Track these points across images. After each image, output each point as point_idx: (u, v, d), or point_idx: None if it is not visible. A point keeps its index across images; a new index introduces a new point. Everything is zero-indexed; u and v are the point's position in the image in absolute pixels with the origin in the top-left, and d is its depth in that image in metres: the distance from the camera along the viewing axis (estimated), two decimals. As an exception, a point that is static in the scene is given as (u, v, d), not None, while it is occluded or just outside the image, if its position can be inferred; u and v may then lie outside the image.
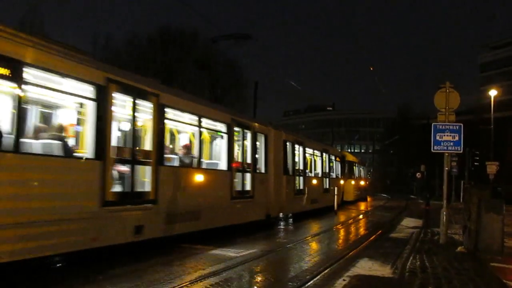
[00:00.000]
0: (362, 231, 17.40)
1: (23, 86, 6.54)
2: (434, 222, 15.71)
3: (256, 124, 14.91)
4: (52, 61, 7.06)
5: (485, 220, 10.05)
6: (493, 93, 34.04)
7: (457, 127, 11.98)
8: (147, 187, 9.08)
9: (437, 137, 12.03)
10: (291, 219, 18.98)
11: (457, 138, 11.92)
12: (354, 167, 32.90)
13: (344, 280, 7.66)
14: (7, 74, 6.32)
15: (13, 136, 6.41)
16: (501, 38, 79.18)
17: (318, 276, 7.95)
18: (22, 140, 6.74)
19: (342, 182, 27.96)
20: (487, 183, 24.48)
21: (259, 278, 7.97)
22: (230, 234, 12.41)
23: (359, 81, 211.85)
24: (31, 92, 7.03)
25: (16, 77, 6.43)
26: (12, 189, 6.29)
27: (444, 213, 12.08)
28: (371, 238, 13.76)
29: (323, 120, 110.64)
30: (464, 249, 10.58)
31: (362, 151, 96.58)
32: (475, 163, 32.36)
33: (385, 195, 52.48)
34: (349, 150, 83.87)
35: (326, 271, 8.43)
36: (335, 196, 22.76)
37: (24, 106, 7.12)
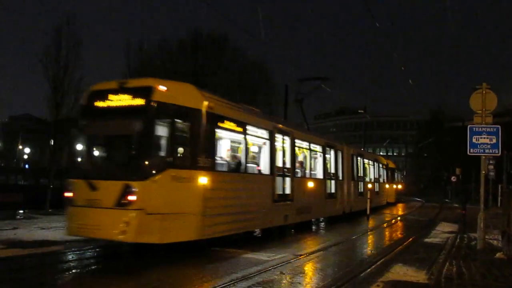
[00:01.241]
0: (396, 235, 17.11)
1: (246, 135, 11.85)
2: (470, 227, 15.25)
3: (337, 144, 20.11)
4: (256, 120, 12.63)
5: (525, 225, 9.71)
6: (532, 93, 32.93)
7: (495, 129, 11.65)
8: (288, 191, 13.95)
9: (474, 140, 11.72)
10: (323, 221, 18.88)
11: (494, 140, 11.59)
12: (394, 172, 37.27)
13: (377, 286, 7.53)
14: (241, 130, 11.58)
15: (239, 163, 11.73)
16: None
17: (351, 282, 7.85)
18: (242, 165, 11.76)
19: (387, 186, 32.06)
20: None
21: (290, 283, 7.92)
22: (263, 239, 12.45)
23: (391, 83, 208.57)
24: (247, 137, 11.91)
25: (243, 131, 11.69)
26: (232, 193, 10.87)
27: (482, 217, 11.73)
28: (405, 243, 13.50)
29: (355, 123, 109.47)
30: (503, 255, 10.24)
31: (395, 154, 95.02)
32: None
33: (418, 199, 51.44)
34: (381, 153, 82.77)
35: (359, 276, 8.31)
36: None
37: (244, 147, 11.86)
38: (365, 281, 8.01)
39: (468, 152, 11.92)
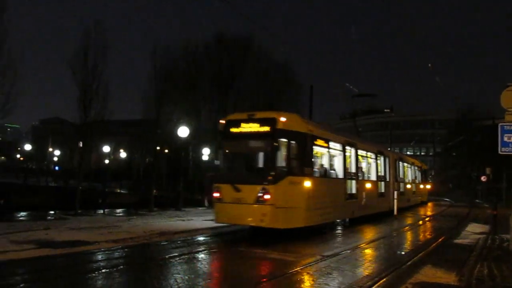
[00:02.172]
0: (425, 235, 16.82)
1: (329, 149, 15.25)
2: (502, 228, 14.88)
3: (385, 150, 23.73)
4: (334, 137, 16.00)
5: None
6: None
7: (527, 127, 11.30)
8: (354, 191, 17.31)
9: (505, 138, 11.44)
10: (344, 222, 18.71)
11: (527, 139, 11.26)
12: (426, 173, 40.60)
13: (406, 287, 7.43)
14: (326, 145, 15.05)
15: (325, 170, 15.07)
16: None
17: (379, 283, 7.75)
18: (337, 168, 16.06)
19: (421, 186, 34.86)
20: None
21: (315, 284, 7.87)
22: (290, 239, 12.44)
23: (418, 82, 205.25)
24: (330, 150, 15.34)
25: (327, 145, 15.06)
26: (322, 193, 14.13)
27: (514, 218, 11.40)
28: (435, 244, 13.25)
29: (381, 122, 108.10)
30: (537, 257, 9.96)
31: (422, 153, 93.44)
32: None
33: (447, 199, 50.45)
34: (408, 153, 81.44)
35: (388, 277, 8.20)
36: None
37: (328, 157, 15.44)
38: (394, 282, 7.90)
39: (499, 151, 11.64)
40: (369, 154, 20.21)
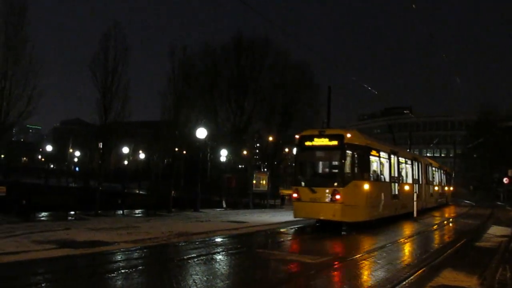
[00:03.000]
0: (446, 238, 16.58)
1: (380, 157, 18.56)
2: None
3: (418, 157, 28.59)
4: (381, 147, 19.12)
5: None
6: None
7: (551, 128, 11.04)
8: (396, 192, 20.38)
9: (528, 140, 11.18)
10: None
11: (551, 140, 11.01)
12: (450, 176, 42.48)
13: (427, 290, 7.32)
14: (377, 154, 18.14)
15: (382, 174, 18.59)
16: None
17: (399, 286, 7.65)
18: (386, 174, 19.06)
19: (446, 188, 37.38)
20: None
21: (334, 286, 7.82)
22: (306, 241, 12.39)
23: (438, 83, 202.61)
24: (380, 158, 18.55)
25: (378, 155, 18.27)
26: (369, 195, 16.36)
27: (537, 221, 11.16)
28: (455, 246, 13.04)
29: (400, 123, 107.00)
30: (561, 261, 9.72)
31: (442, 155, 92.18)
32: None
33: (468, 201, 49.67)
34: (428, 154, 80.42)
35: (408, 280, 8.09)
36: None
37: (373, 162, 17.71)
38: (414, 285, 7.79)
39: (522, 153, 11.39)
40: (407, 160, 23.26)
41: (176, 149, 36.60)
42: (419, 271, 8.92)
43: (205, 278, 7.77)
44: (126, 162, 57.72)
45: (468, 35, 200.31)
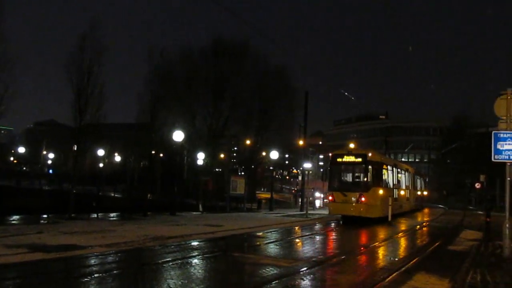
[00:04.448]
0: (419, 242, 16.87)
1: (385, 170, 23.73)
2: (495, 235, 14.96)
3: (408, 166, 33.56)
4: (389, 161, 26.89)
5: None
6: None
7: (520, 135, 11.43)
8: (397, 196, 25.59)
9: (498, 146, 11.51)
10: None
11: (520, 146, 11.35)
12: (426, 182, 46.14)
13: (400, 293, 7.43)
14: (386, 167, 24.02)
15: (389, 183, 24.50)
16: None
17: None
18: (391, 183, 24.92)
19: (422, 193, 40.25)
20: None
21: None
22: (283, 245, 12.40)
23: (413, 89, 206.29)
24: (387, 170, 24.14)
25: (386, 167, 24.06)
26: (383, 198, 22.18)
27: (507, 225, 11.48)
28: (428, 250, 13.28)
29: (376, 129, 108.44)
30: (529, 264, 10.00)
31: (417, 160, 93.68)
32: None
33: (441, 206, 50.59)
34: (402, 160, 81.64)
35: (381, 284, 8.20)
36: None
37: (385, 174, 23.62)
38: (387, 289, 7.90)
39: (492, 159, 11.70)
40: (402, 170, 28.64)
41: (153, 152, 36.30)
42: (393, 275, 9.04)
43: (180, 283, 7.72)
44: (101, 165, 56.83)
45: (443, 44, 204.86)
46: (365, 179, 21.45)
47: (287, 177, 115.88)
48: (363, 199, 20.65)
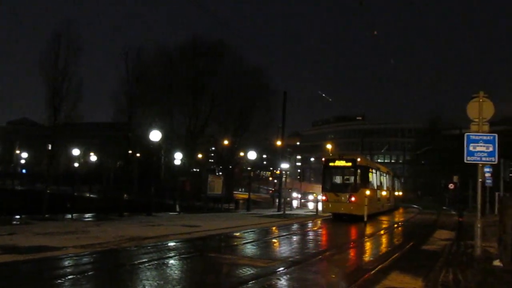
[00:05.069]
0: (393, 242, 17.10)
1: (371, 172, 26.48)
2: (468, 234, 15.31)
3: (388, 169, 35.84)
4: (374, 165, 29.60)
5: (522, 233, 9.72)
6: (529, 102, 32.94)
7: (491, 137, 11.69)
8: (379, 196, 28.75)
9: (471, 148, 11.76)
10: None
11: (491, 148, 11.63)
12: (400, 182, 48.32)
13: (374, 293, 7.53)
14: (372, 171, 26.80)
15: (374, 184, 27.41)
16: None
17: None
18: (375, 184, 27.90)
19: (397, 193, 41.79)
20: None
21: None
22: (260, 245, 12.43)
23: (389, 91, 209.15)
24: (372, 174, 26.92)
25: (371, 171, 26.82)
26: (370, 197, 23.99)
27: (478, 225, 11.75)
28: (402, 250, 13.49)
29: (353, 130, 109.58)
30: (500, 263, 10.25)
31: (393, 161, 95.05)
32: (511, 175, 31.35)
33: (416, 206, 51.42)
34: (379, 160, 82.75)
35: (355, 284, 8.30)
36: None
37: (371, 176, 26.31)
38: (362, 288, 8.00)
39: (465, 160, 11.95)
40: (383, 173, 31.45)
41: (130, 151, 35.92)
42: (368, 274, 9.17)
43: (156, 284, 7.66)
44: (77, 165, 55.98)
45: (418, 47, 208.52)
46: (355, 181, 24.01)
47: (266, 178, 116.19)
48: (352, 199, 22.92)
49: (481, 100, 12.02)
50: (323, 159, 26.23)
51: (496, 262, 10.32)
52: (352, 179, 24.33)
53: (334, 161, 25.11)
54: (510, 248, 10.11)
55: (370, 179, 25.83)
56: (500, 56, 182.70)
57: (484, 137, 11.72)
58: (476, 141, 11.74)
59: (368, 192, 24.07)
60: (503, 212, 10.86)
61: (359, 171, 24.08)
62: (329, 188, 24.77)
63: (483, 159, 11.73)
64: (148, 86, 36.88)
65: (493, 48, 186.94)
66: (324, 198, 24.71)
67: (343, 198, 23.57)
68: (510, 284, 8.39)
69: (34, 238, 12.27)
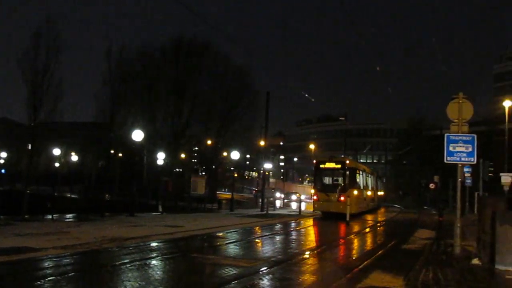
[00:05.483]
0: (375, 241, 17.28)
1: (358, 174, 28.80)
2: (447, 233, 15.53)
3: (373, 170, 37.69)
4: (360, 166, 31.55)
5: (500, 232, 9.87)
6: (507, 103, 33.49)
7: (471, 138, 11.88)
8: (365, 196, 30.75)
9: (450, 148, 11.93)
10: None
11: (470, 149, 11.82)
12: (382, 182, 50.31)
13: (356, 292, 7.60)
14: (359, 172, 29.17)
15: (361, 185, 29.74)
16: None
17: (330, 288, 7.91)
18: (362, 185, 29.92)
19: (379, 193, 42.81)
20: (502, 195, 24.07)
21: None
22: (243, 245, 12.43)
23: (372, 91, 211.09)
24: (360, 174, 29.43)
25: (359, 172, 29.24)
26: (357, 197, 27.06)
27: (458, 224, 11.94)
28: (384, 249, 13.63)
29: (336, 130, 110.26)
30: (478, 262, 10.43)
31: (375, 161, 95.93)
32: (489, 175, 31.94)
33: (397, 205, 51.99)
34: (361, 160, 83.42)
35: (337, 283, 8.37)
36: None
37: (358, 177, 28.68)
38: (344, 287, 8.05)
39: (445, 160, 12.13)
40: (369, 174, 33.81)
41: (112, 151, 35.58)
42: (350, 273, 9.25)
43: (137, 285, 7.61)
44: (57, 164, 55.13)
45: (399, 49, 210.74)
46: (344, 182, 25.68)
47: (251, 178, 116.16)
48: (342, 198, 24.13)
49: (460, 101, 12.21)
50: (314, 161, 27.93)
51: (475, 261, 10.50)
52: (341, 180, 25.89)
53: (324, 163, 26.83)
54: (488, 247, 10.29)
55: (358, 180, 27.94)
56: (480, 58, 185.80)
57: (464, 138, 11.91)
58: (456, 142, 11.92)
59: (355, 192, 26.30)
60: (482, 212, 11.07)
61: (347, 172, 25.84)
62: (320, 188, 26.43)
63: (463, 159, 11.92)
64: (131, 86, 36.60)
65: (473, 49, 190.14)
66: (315, 197, 26.45)
67: (332, 197, 25.04)
68: (488, 282, 8.55)
69: (14, 239, 12.08)
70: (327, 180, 27.09)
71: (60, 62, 22.18)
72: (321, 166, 26.91)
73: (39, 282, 7.68)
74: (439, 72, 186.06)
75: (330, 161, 26.94)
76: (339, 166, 26.23)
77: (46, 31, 21.93)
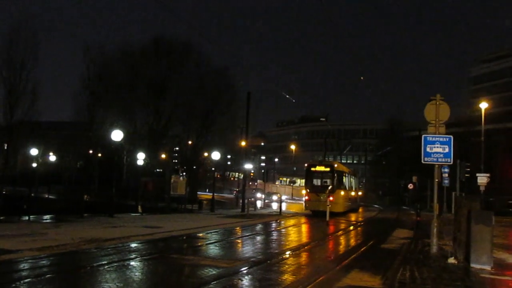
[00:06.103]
0: (354, 241, 17.45)
1: (344, 176, 32.19)
2: (425, 233, 15.78)
3: (355, 171, 41.09)
4: (345, 169, 33.99)
5: (475, 231, 10.09)
6: (483, 105, 34.19)
7: (447, 139, 12.09)
8: (349, 196, 33.41)
9: (428, 149, 12.12)
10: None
11: (447, 149, 12.03)
12: (361, 182, 54.84)
13: (334, 291, 7.66)
14: (344, 174, 32.17)
15: (346, 186, 32.73)
16: (492, 52, 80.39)
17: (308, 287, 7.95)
18: (347, 186, 33.17)
19: (359, 193, 44.19)
20: (478, 195, 24.55)
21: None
22: (223, 246, 12.42)
23: (352, 92, 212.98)
24: (345, 177, 32.86)
25: (344, 174, 32.35)
26: (344, 197, 30.32)
27: (435, 224, 12.14)
28: (362, 249, 13.78)
29: (316, 131, 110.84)
30: (454, 260, 10.63)
31: (355, 162, 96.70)
32: (466, 175, 32.56)
33: (377, 205, 52.57)
34: (342, 161, 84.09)
35: (316, 282, 8.42)
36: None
37: (344, 179, 32.18)
38: (323, 286, 8.12)
39: (422, 161, 12.32)
40: (353, 176, 36.51)
41: (90, 151, 35.15)
42: (328, 273, 9.33)
43: (115, 286, 7.53)
44: (35, 165, 54.27)
45: (379, 50, 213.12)
46: (332, 183, 28.33)
47: (233, 178, 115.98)
48: (331, 198, 25.45)
49: (438, 102, 12.42)
50: (305, 164, 31.53)
51: (451, 260, 10.69)
52: (330, 182, 28.64)
53: (315, 167, 30.09)
54: (464, 246, 10.49)
55: (344, 182, 31.12)
56: (459, 61, 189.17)
57: (441, 139, 12.11)
58: (433, 143, 12.12)
59: (343, 193, 29.72)
60: (458, 212, 11.26)
61: (335, 175, 28.94)
62: (310, 189, 29.35)
63: (440, 160, 12.12)
64: (110, 85, 36.20)
65: (452, 53, 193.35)
66: (307, 198, 29.48)
67: (322, 197, 26.96)
68: (463, 281, 8.70)
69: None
70: (317, 182, 29.89)
71: (37, 59, 21.84)
72: (312, 169, 29.90)
73: (14, 285, 7.54)
74: (419, 74, 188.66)
75: (320, 164, 30.27)
76: (328, 169, 29.34)
77: (24, 27, 21.60)
